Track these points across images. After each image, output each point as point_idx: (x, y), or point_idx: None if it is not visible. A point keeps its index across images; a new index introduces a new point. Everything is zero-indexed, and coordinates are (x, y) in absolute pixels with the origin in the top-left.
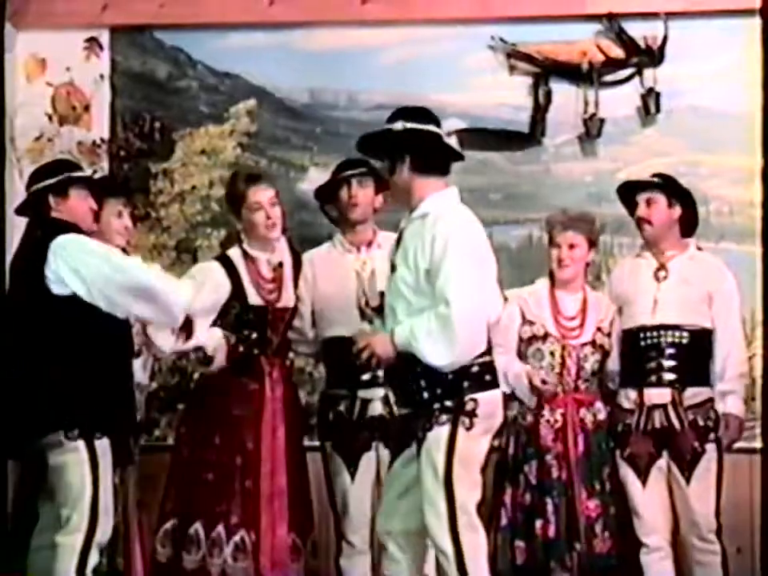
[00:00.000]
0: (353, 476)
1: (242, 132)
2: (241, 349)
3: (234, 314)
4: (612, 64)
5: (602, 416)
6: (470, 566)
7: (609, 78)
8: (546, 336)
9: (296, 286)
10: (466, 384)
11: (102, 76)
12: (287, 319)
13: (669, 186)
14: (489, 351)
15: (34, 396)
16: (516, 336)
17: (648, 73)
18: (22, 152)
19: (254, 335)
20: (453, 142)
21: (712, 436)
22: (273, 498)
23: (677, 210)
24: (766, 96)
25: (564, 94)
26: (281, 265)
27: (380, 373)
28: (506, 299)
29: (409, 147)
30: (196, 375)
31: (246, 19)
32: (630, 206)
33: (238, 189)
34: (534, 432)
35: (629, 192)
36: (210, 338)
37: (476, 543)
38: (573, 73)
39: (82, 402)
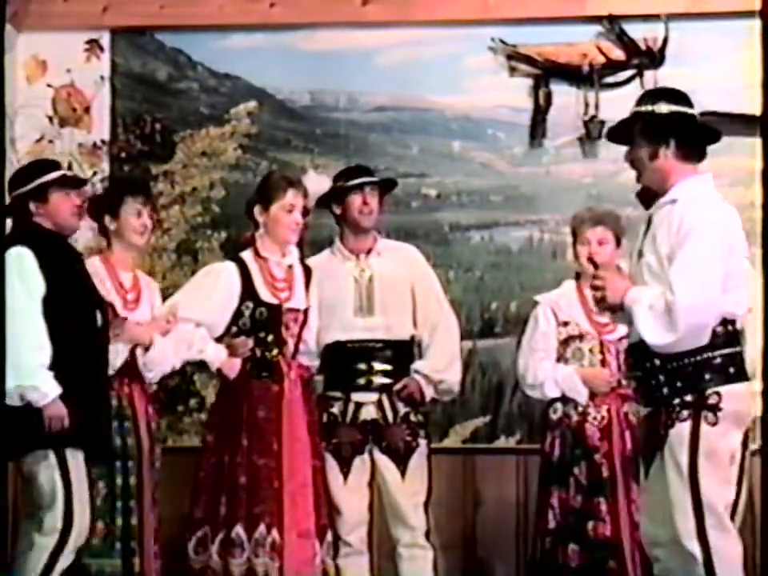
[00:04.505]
0: (345, 477)
1: (242, 134)
2: (258, 352)
3: (248, 314)
4: (612, 66)
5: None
6: (720, 571)
7: (609, 79)
8: (581, 335)
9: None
10: (707, 377)
11: (102, 77)
12: (301, 321)
13: None
14: (737, 342)
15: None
16: (555, 340)
17: (649, 74)
18: (22, 154)
19: (270, 336)
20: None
21: None
22: (296, 498)
23: None
24: (766, 97)
25: (564, 95)
26: (291, 267)
27: (375, 378)
28: (535, 303)
29: (675, 131)
30: (196, 377)
31: (247, 21)
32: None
33: (278, 186)
34: (580, 432)
35: (647, 197)
36: (215, 354)
37: (726, 546)
38: (573, 74)
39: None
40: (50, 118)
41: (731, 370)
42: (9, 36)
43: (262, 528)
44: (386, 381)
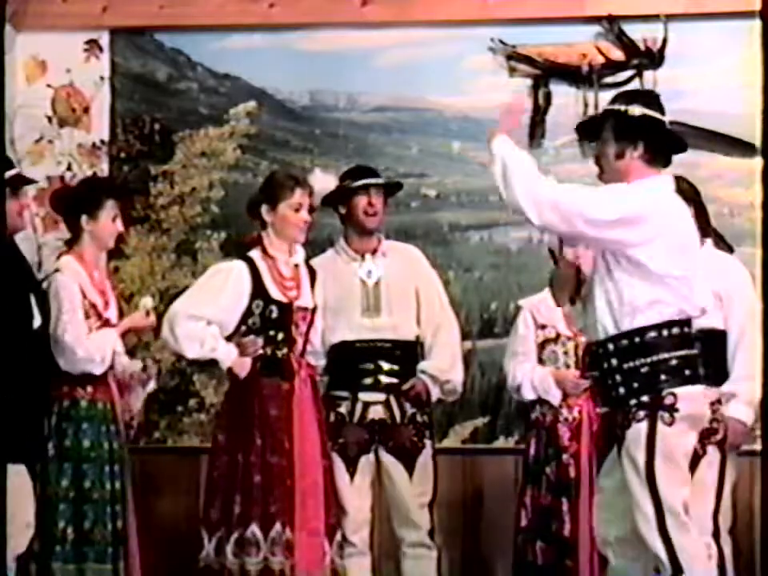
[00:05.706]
0: (352, 477)
1: (241, 134)
2: (268, 350)
3: (258, 313)
4: (612, 66)
5: None
6: (688, 568)
7: (609, 79)
8: (557, 337)
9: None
10: (663, 378)
11: (102, 78)
12: (309, 319)
13: (679, 190)
14: (691, 344)
15: None
16: (533, 343)
17: (648, 75)
18: (22, 154)
19: (281, 335)
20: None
21: (714, 438)
22: (306, 497)
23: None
24: (766, 98)
25: (564, 95)
26: (297, 266)
27: (382, 378)
28: (518, 308)
29: (644, 135)
30: (195, 377)
31: (246, 21)
32: None
33: (285, 186)
34: (553, 432)
35: None
36: (227, 353)
37: (688, 542)
38: (573, 75)
39: None
40: (50, 118)
41: (686, 372)
42: (8, 36)
43: (278, 527)
44: (393, 380)
